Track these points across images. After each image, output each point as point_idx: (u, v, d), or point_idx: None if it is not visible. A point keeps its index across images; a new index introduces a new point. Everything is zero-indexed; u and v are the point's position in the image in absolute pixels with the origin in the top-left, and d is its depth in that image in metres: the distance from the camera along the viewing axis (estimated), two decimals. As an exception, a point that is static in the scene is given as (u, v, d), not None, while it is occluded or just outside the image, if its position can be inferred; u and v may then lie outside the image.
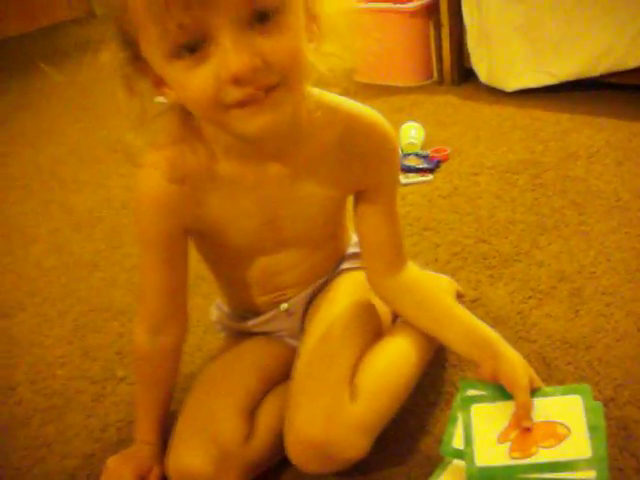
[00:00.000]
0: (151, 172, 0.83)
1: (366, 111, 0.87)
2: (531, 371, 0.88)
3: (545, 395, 0.86)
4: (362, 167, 0.88)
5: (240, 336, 1.07)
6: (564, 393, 0.86)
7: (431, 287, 1.00)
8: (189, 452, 0.86)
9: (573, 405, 0.83)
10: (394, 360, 0.94)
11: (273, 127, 0.70)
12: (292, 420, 0.85)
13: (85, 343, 1.32)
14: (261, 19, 0.65)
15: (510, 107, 2.20)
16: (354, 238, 1.08)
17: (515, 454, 0.81)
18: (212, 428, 0.88)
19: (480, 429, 0.85)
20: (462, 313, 0.95)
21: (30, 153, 2.46)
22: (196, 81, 0.66)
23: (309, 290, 1.03)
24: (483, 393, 0.88)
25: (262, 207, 0.87)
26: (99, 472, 0.97)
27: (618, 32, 2.06)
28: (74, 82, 3.40)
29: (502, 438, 0.83)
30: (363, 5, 2.39)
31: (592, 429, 0.80)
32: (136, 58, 0.72)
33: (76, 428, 1.10)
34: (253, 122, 0.69)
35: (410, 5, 2.43)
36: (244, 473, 0.88)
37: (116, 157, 2.28)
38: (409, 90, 2.47)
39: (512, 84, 2.31)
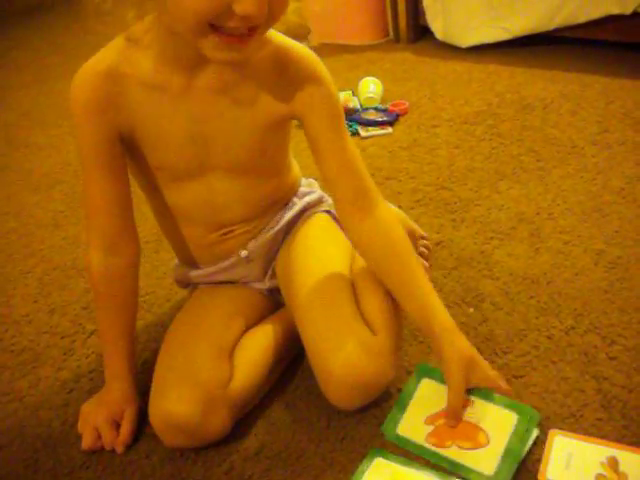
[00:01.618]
0: (81, 74, 0.87)
1: (296, 44, 0.91)
2: (480, 365, 0.88)
3: (489, 399, 0.87)
4: (292, 92, 0.90)
5: (206, 287, 1.08)
6: (507, 407, 0.87)
7: (397, 243, 0.95)
8: (173, 399, 0.86)
9: (506, 422, 0.85)
10: (389, 296, 0.95)
11: (235, 62, 0.81)
12: (330, 366, 0.87)
13: (51, 300, 1.30)
14: None
15: (466, 62, 2.23)
16: (304, 180, 1.11)
17: (432, 439, 0.86)
18: (194, 373, 0.89)
19: (417, 402, 0.91)
20: (421, 288, 0.92)
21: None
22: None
23: (265, 236, 1.04)
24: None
25: (187, 118, 0.88)
26: (74, 420, 0.97)
27: (570, -14, 2.09)
28: (21, 46, 3.33)
29: (429, 420, 0.88)
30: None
31: (507, 452, 0.81)
32: None
33: (48, 381, 1.10)
34: (225, 53, 0.76)
35: (365, -39, 2.43)
36: (230, 413, 0.89)
37: (69, 121, 2.25)
38: (366, 48, 2.48)
39: (468, 40, 2.33)
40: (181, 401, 0.86)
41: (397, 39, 2.51)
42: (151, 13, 0.81)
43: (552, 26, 2.18)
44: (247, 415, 0.95)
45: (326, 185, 0.99)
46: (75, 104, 0.87)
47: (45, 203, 1.70)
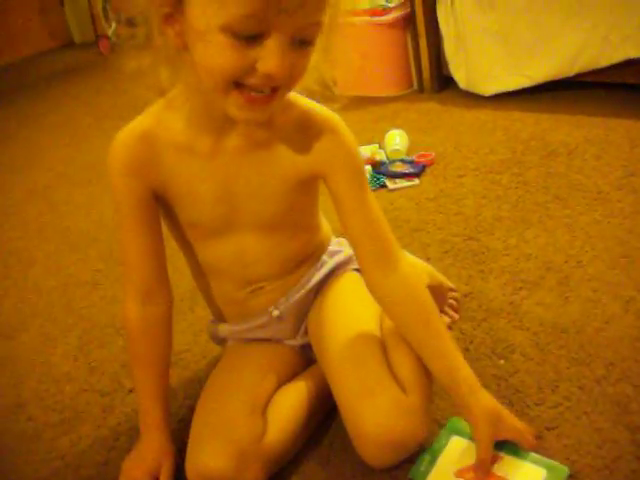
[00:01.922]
0: (119, 138, 0.93)
1: (320, 108, 0.95)
2: (505, 421, 0.90)
3: (518, 456, 0.90)
4: (316, 153, 0.94)
5: (239, 344, 1.11)
6: (536, 463, 0.89)
7: (419, 302, 0.97)
8: (208, 454, 0.89)
9: (535, 477, 0.88)
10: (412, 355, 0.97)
11: (257, 122, 0.87)
12: (362, 424, 0.89)
13: (90, 358, 1.34)
14: (300, 44, 0.78)
15: (490, 110, 2.27)
16: (334, 239, 1.14)
17: None
18: (228, 428, 0.91)
19: (447, 456, 0.93)
20: (444, 344, 0.94)
21: (20, 179, 2.49)
22: (234, 54, 0.75)
23: (296, 295, 1.07)
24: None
25: (216, 179, 0.93)
26: (115, 478, 1.00)
27: (589, 33, 2.13)
28: (57, 109, 3.47)
29: (459, 473, 0.91)
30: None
31: None
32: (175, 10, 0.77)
33: (88, 439, 1.13)
34: (248, 113, 0.82)
35: (387, 17, 2.50)
36: (263, 468, 0.92)
37: (105, 180, 2.33)
38: (391, 100, 2.53)
39: (490, 88, 2.37)
40: (216, 456, 0.88)
41: (421, 90, 2.56)
42: (184, 74, 0.86)
43: (573, 72, 2.22)
44: (282, 470, 0.96)
45: (349, 242, 1.02)
46: (112, 166, 0.93)
47: (83, 262, 1.75)
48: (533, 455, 0.89)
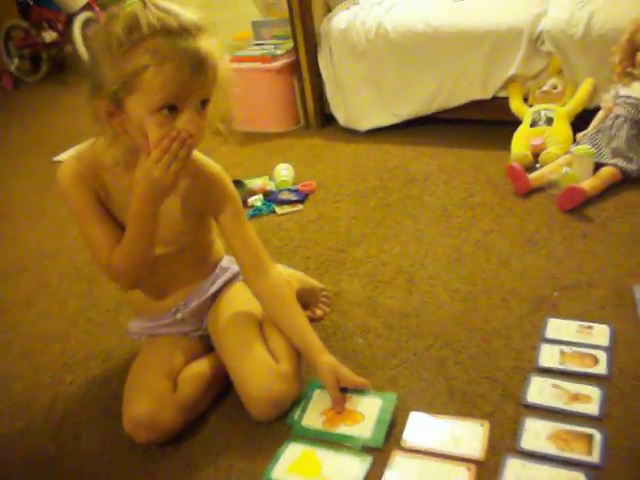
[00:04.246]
0: (66, 162, 1.27)
1: (211, 163, 1.34)
2: (342, 372, 1.27)
3: (361, 393, 1.28)
4: (206, 199, 1.32)
5: (153, 337, 1.43)
6: (374, 395, 1.28)
7: (285, 296, 1.36)
8: (134, 404, 1.23)
9: (375, 404, 1.26)
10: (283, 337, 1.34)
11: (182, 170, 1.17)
12: (249, 388, 1.24)
13: (34, 363, 1.61)
14: (202, 105, 1.13)
15: (365, 144, 2.68)
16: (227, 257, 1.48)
17: (326, 425, 1.24)
18: (148, 386, 1.26)
19: (313, 403, 1.30)
20: (299, 323, 1.33)
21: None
22: (162, 129, 1.10)
23: (195, 302, 1.40)
24: None
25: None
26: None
27: (441, 79, 2.60)
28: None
29: (324, 412, 1.27)
30: (236, 66, 2.82)
31: (378, 422, 1.22)
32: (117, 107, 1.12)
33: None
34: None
35: (276, 64, 2.89)
36: (177, 414, 1.25)
37: (26, 208, 2.59)
38: (280, 135, 2.91)
39: (365, 125, 2.79)
40: (140, 404, 1.22)
41: (307, 126, 2.95)
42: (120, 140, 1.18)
43: (431, 110, 2.67)
44: (195, 421, 1.30)
45: (233, 255, 1.38)
46: (65, 181, 1.25)
47: (16, 286, 2.01)
48: (371, 391, 1.28)
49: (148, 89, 1.09)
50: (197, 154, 1.30)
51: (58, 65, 5.31)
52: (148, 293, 1.39)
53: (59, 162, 3.08)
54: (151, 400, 1.23)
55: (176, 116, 1.11)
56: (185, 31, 1.09)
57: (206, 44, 1.12)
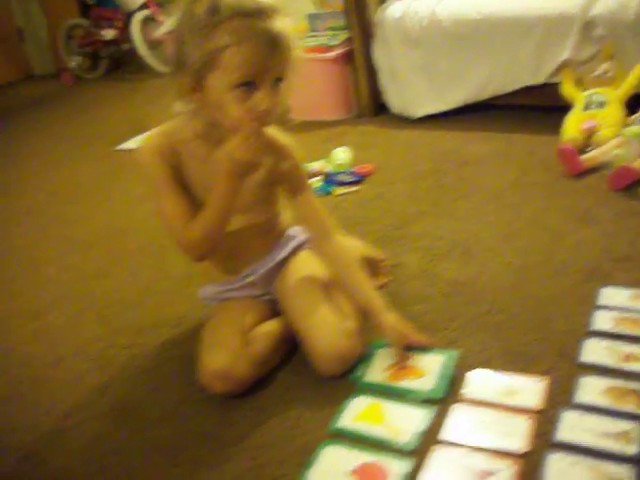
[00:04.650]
0: (147, 139, 1.38)
1: (281, 135, 1.42)
2: (406, 330, 1.36)
3: (423, 351, 1.36)
4: (277, 169, 1.40)
5: (224, 301, 1.53)
6: (435, 353, 1.35)
7: (349, 259, 1.45)
8: (211, 358, 1.34)
9: (436, 361, 1.33)
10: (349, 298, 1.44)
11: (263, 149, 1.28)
12: (317, 345, 1.34)
13: (111, 326, 1.73)
14: (276, 83, 1.22)
15: (417, 130, 2.75)
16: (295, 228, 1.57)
17: (389, 380, 1.32)
18: (223, 341, 1.36)
19: (377, 361, 1.38)
20: (364, 285, 1.41)
21: (16, 200, 2.86)
22: (240, 105, 1.21)
23: (265, 267, 1.50)
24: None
25: (210, 176, 1.31)
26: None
27: (494, 65, 2.64)
28: (34, 137, 3.82)
29: (388, 368, 1.35)
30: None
31: (440, 376, 1.29)
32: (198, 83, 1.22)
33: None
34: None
35: (331, 54, 2.97)
36: (250, 367, 1.34)
37: (93, 192, 2.73)
38: (335, 123, 2.99)
39: (417, 112, 2.86)
40: (216, 358, 1.33)
41: (361, 114, 3.03)
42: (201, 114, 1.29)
43: (484, 96, 2.72)
44: (266, 376, 1.39)
45: (299, 223, 1.48)
46: (145, 156, 1.36)
47: (86, 261, 2.14)
48: (434, 349, 1.36)
49: (228, 67, 1.19)
50: (269, 128, 1.39)
51: (116, 62, 5.49)
52: (220, 261, 1.49)
53: (120, 151, 3.22)
54: (226, 354, 1.33)
55: (253, 92, 1.20)
56: (262, 12, 1.19)
57: (281, 25, 1.21)
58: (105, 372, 1.54)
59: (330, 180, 2.31)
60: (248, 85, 1.20)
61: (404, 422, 1.22)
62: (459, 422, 1.20)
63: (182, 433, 1.31)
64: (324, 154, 2.52)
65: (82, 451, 1.32)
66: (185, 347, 1.55)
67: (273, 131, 1.41)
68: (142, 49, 4.82)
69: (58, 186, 2.93)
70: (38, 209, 2.70)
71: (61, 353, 1.66)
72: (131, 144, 3.26)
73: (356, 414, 1.26)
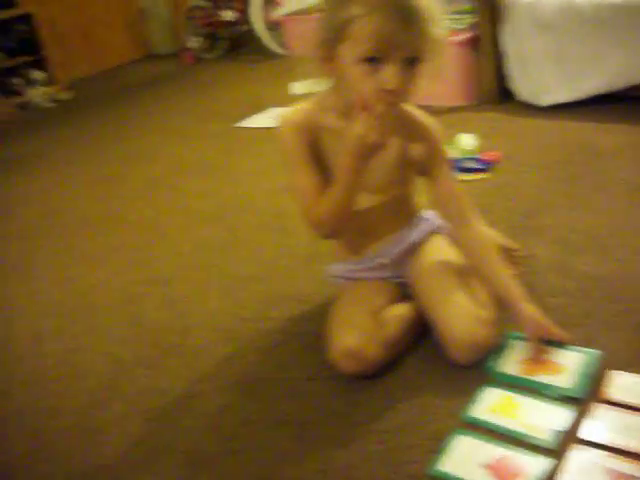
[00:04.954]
0: (289, 113, 1.37)
1: (423, 113, 1.39)
2: (545, 323, 1.29)
3: (561, 347, 1.30)
4: (417, 146, 1.38)
5: (354, 281, 1.51)
6: (574, 350, 1.29)
7: (487, 246, 1.40)
8: (343, 336, 1.32)
9: (575, 357, 1.28)
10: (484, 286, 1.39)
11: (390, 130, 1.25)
12: (452, 332, 1.30)
13: (236, 299, 1.76)
14: (410, 63, 1.18)
15: (545, 119, 2.64)
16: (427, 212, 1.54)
17: (524, 373, 1.27)
18: (355, 321, 1.35)
19: (511, 352, 1.33)
20: (501, 273, 1.35)
21: (141, 170, 2.96)
22: (367, 79, 1.19)
23: (398, 248, 1.47)
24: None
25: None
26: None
27: (632, 53, 2.50)
28: (156, 112, 3.95)
29: (522, 361, 1.30)
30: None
31: (580, 374, 1.23)
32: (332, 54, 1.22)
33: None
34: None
35: (457, 38, 2.90)
36: (381, 348, 1.33)
37: (216, 167, 2.78)
38: (457, 109, 2.92)
39: (546, 100, 2.75)
40: (348, 337, 1.31)
41: (485, 101, 2.94)
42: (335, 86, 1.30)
43: (619, 86, 2.58)
44: (395, 360, 1.37)
45: (439, 208, 1.44)
46: (285, 129, 1.36)
47: (210, 233, 2.19)
48: (574, 347, 1.29)
49: (355, 38, 1.17)
50: (410, 106, 1.36)
51: (234, 43, 5.59)
52: (352, 239, 1.48)
53: (240, 128, 3.28)
54: (359, 334, 1.31)
55: (379, 69, 1.17)
56: None
57: (419, 1, 1.16)
58: (232, 344, 1.57)
59: (455, 166, 2.25)
60: (373, 61, 1.17)
61: (541, 418, 1.18)
62: (601, 423, 1.14)
63: (309, 410, 1.31)
64: (448, 139, 2.46)
65: (211, 418, 1.35)
66: (312, 324, 1.55)
67: (413, 109, 1.38)
68: (261, 31, 4.88)
69: (180, 160, 3.01)
70: (163, 181, 2.78)
71: (189, 322, 1.70)
72: (251, 122, 3.31)
73: (490, 405, 1.22)
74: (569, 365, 1.27)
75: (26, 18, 5.09)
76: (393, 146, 1.36)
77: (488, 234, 1.45)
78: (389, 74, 1.17)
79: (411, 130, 1.37)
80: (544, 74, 2.74)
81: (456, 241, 1.43)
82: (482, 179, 2.18)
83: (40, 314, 1.92)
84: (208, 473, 1.22)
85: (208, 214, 2.35)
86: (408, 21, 1.15)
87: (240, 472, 1.20)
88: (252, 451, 1.24)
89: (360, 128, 1.21)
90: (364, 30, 1.16)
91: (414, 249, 1.49)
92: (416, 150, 1.39)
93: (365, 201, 1.40)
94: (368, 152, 1.25)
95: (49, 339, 1.77)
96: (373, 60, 1.17)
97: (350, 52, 1.19)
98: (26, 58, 5.13)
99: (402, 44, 1.15)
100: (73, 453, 1.34)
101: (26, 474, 1.32)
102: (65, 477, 1.29)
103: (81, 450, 1.35)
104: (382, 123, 1.20)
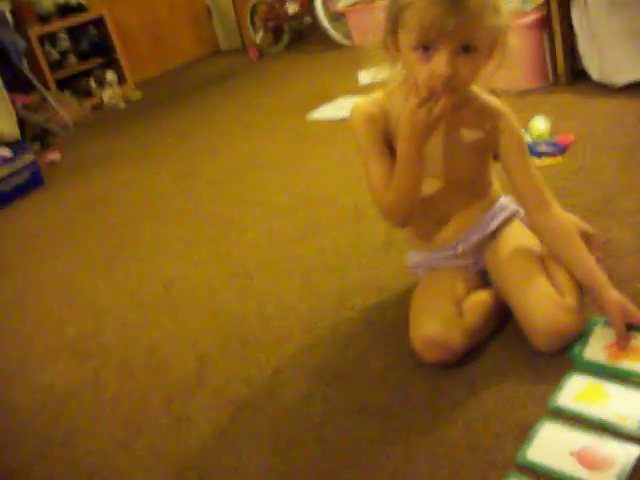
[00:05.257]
0: (360, 103, 1.40)
1: (495, 99, 1.40)
2: (630, 308, 1.25)
3: None
4: (491, 133, 1.38)
5: (433, 270, 1.52)
6: None
7: (568, 231, 1.38)
8: (426, 325, 1.33)
9: None
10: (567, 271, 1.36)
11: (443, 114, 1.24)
12: (535, 320, 1.28)
13: (314, 290, 1.79)
14: (464, 50, 1.18)
15: (620, 99, 2.56)
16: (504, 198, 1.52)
17: (610, 359, 1.25)
18: (437, 309, 1.35)
19: (596, 339, 1.30)
20: (584, 258, 1.33)
21: (215, 163, 3.04)
22: (420, 65, 1.21)
23: (476, 236, 1.46)
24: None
25: None
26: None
27: None
28: (225, 107, 4.02)
29: (607, 347, 1.27)
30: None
31: None
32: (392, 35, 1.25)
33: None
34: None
35: (525, 20, 2.84)
36: (464, 336, 1.33)
37: (288, 159, 2.82)
38: (530, 92, 2.86)
39: (621, 80, 2.66)
40: (431, 325, 1.32)
41: (557, 82, 2.88)
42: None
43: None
44: (478, 346, 1.37)
45: (515, 193, 1.43)
46: (357, 119, 1.39)
47: (286, 225, 2.23)
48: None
49: (408, 26, 1.19)
50: (479, 93, 1.38)
51: (297, 36, 5.63)
52: (426, 227, 1.48)
53: (310, 121, 3.31)
54: (441, 321, 1.32)
55: (431, 56, 1.18)
56: None
57: None
58: (313, 334, 1.60)
59: (530, 150, 2.21)
60: (425, 49, 1.18)
61: (628, 406, 1.16)
62: (694, 411, 1.12)
63: (392, 399, 1.32)
64: (520, 123, 2.42)
65: (293, 407, 1.38)
66: (391, 313, 1.57)
67: (486, 96, 1.39)
68: (324, 22, 4.90)
69: (252, 154, 3.07)
70: (237, 176, 2.84)
71: (269, 313, 1.74)
72: (321, 113, 3.34)
73: (576, 393, 1.21)
74: (655, 352, 1.24)
75: (97, 22, 5.25)
76: (463, 135, 1.37)
77: (569, 219, 1.43)
78: (439, 62, 1.17)
79: (482, 116, 1.38)
80: (618, 53, 2.65)
81: (535, 228, 1.42)
82: (556, 163, 2.14)
83: (125, 307, 2.00)
84: (295, 460, 1.25)
85: (284, 207, 2.39)
86: (455, 9, 1.14)
87: (327, 459, 1.23)
88: (337, 438, 1.27)
89: (410, 112, 1.23)
90: (414, 17, 1.17)
91: (492, 236, 1.48)
92: (488, 135, 1.38)
93: (434, 187, 1.41)
94: (420, 136, 1.26)
95: (135, 331, 1.85)
96: (426, 48, 1.18)
97: (406, 39, 1.21)
98: (99, 60, 5.30)
99: (452, 32, 1.15)
100: (162, 441, 1.40)
101: (119, 461, 1.38)
102: (157, 463, 1.34)
103: (170, 438, 1.40)
104: (438, 109, 1.21)
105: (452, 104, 1.23)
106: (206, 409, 1.46)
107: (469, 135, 1.38)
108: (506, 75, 2.63)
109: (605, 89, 2.68)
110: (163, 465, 1.34)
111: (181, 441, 1.39)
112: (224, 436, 1.36)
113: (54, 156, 3.97)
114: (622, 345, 1.26)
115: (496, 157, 1.45)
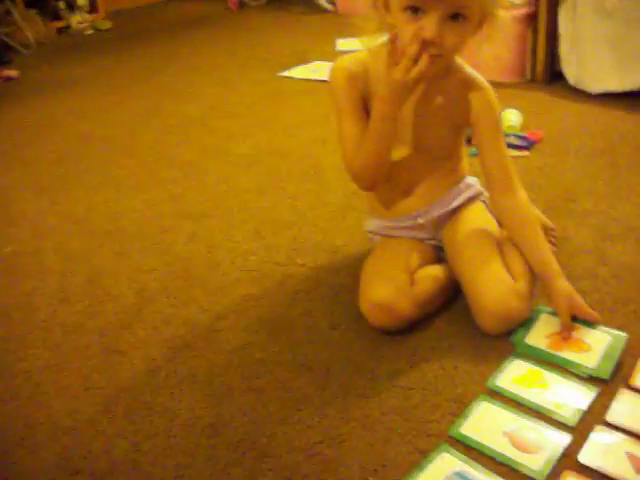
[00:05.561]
0: (342, 60, 1.37)
1: (478, 76, 1.37)
2: (577, 301, 1.29)
3: (589, 326, 1.29)
4: (470, 107, 1.35)
5: (389, 238, 1.50)
6: (602, 331, 1.28)
7: (530, 217, 1.39)
8: (375, 289, 1.32)
9: (602, 339, 1.26)
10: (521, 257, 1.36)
11: (421, 76, 1.20)
12: (485, 301, 1.28)
13: (266, 242, 1.76)
14: (452, 18, 1.15)
15: (593, 106, 2.58)
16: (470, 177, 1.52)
17: (550, 347, 1.26)
18: (388, 275, 1.34)
19: (539, 327, 1.32)
20: (541, 246, 1.35)
21: (178, 108, 2.95)
22: (409, 26, 1.17)
23: (437, 211, 1.46)
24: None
25: None
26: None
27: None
28: (199, 52, 3.91)
29: (549, 336, 1.29)
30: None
31: (605, 356, 1.22)
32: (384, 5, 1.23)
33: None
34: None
35: (514, 12, 2.83)
36: (412, 305, 1.32)
37: (255, 112, 2.77)
38: (505, 85, 2.86)
39: (597, 87, 2.69)
40: (380, 289, 1.31)
41: (533, 80, 2.89)
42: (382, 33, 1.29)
43: (673, 83, 2.52)
44: (423, 319, 1.37)
45: (484, 171, 1.41)
46: (336, 76, 1.36)
47: (247, 176, 2.18)
48: (601, 327, 1.29)
49: None
50: (464, 65, 1.36)
51: (280, -8, 5.51)
52: (389, 194, 1.46)
53: (282, 77, 3.25)
54: (391, 288, 1.31)
55: (420, 18, 1.16)
56: None
57: None
58: (260, 285, 1.57)
59: (499, 140, 2.22)
60: (413, 10, 1.16)
61: (564, 395, 1.17)
62: (626, 408, 1.14)
63: (333, 358, 1.31)
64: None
65: (231, 354, 1.36)
66: (342, 275, 1.55)
67: (469, 70, 1.37)
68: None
69: (218, 101, 2.99)
70: (200, 120, 2.77)
71: (218, 259, 1.70)
72: (293, 73, 3.28)
73: (516, 377, 1.22)
74: (595, 344, 1.26)
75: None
76: (436, 100, 1.36)
77: (532, 207, 1.43)
78: (427, 23, 1.15)
79: (462, 88, 1.36)
80: (598, 60, 2.67)
81: (497, 210, 1.42)
82: (522, 157, 2.15)
83: (69, 233, 1.93)
84: (227, 406, 1.22)
85: (245, 157, 2.34)
86: None
87: (259, 410, 1.21)
88: (272, 391, 1.25)
89: (391, 71, 1.21)
90: None
91: (453, 214, 1.47)
92: (464, 108, 1.36)
93: (402, 154, 1.40)
94: (396, 96, 1.24)
95: (76, 258, 1.79)
96: (416, 10, 1.16)
97: (396, 2, 1.19)
98: (71, -18, 5.08)
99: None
100: (91, 372, 1.35)
101: (44, 386, 1.33)
102: (83, 392, 1.30)
103: (101, 369, 1.36)
104: (416, 70, 1.18)
105: (434, 70, 1.21)
106: (141, 345, 1.42)
107: (446, 106, 1.36)
108: (489, 65, 2.64)
109: (580, 93, 2.71)
110: (90, 395, 1.29)
111: (111, 374, 1.34)
112: (157, 375, 1.33)
113: (12, 72, 3.80)
114: (565, 335, 1.28)
115: (470, 140, 1.44)
